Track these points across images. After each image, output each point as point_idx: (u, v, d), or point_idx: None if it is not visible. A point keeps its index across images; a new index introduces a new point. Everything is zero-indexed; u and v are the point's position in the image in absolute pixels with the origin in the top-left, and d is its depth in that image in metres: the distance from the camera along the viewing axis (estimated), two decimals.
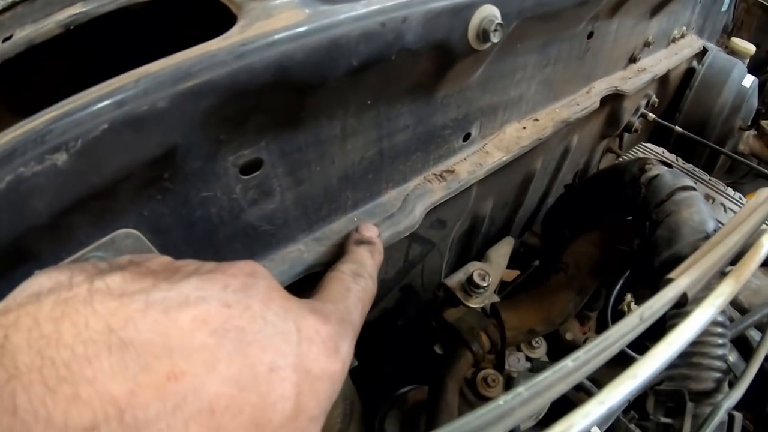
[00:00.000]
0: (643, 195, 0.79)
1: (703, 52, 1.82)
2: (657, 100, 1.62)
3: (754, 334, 0.96)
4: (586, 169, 1.51)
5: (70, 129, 0.48)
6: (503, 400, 0.38)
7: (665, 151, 1.37)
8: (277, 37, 0.54)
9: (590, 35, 1.07)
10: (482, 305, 0.86)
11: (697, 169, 1.33)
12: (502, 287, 1.26)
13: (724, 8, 2.11)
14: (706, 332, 0.63)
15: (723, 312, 0.65)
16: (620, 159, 1.35)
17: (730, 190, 1.28)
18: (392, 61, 0.63)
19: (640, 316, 0.47)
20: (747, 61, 2.09)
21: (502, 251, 0.96)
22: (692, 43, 1.75)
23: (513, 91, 0.92)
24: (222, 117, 0.56)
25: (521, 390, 0.39)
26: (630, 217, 0.90)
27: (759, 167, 1.64)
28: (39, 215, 0.49)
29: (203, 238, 0.66)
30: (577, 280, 0.90)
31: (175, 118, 0.52)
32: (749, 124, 1.85)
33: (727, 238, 0.63)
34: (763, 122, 1.93)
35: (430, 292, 1.04)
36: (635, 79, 1.33)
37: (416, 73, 0.70)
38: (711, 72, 1.76)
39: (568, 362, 0.42)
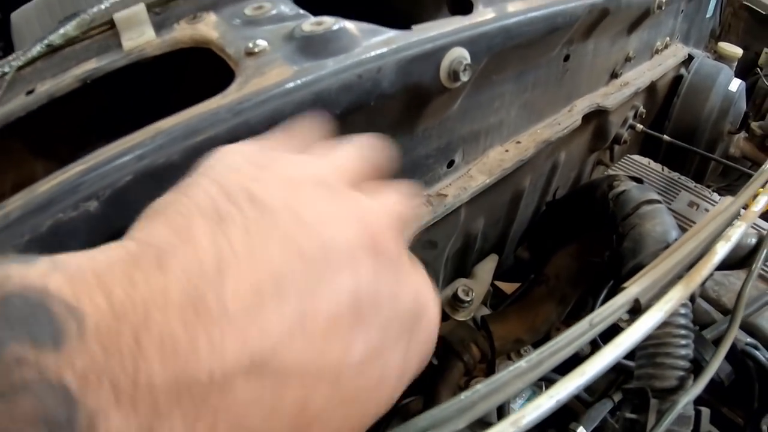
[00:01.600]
0: (611, 210, 0.87)
1: (690, 59, 1.88)
2: (645, 110, 1.67)
3: (740, 335, 1.02)
4: (577, 182, 1.57)
5: (100, 181, 0.58)
6: (464, 395, 0.45)
7: (651, 161, 1.43)
8: (267, 95, 0.63)
9: (566, 58, 1.14)
10: (469, 318, 0.94)
11: (682, 177, 1.40)
12: (503, 299, 1.33)
13: (709, 14, 2.16)
14: (668, 334, 0.70)
15: (685, 315, 0.72)
16: (609, 171, 1.41)
17: (715, 196, 1.34)
18: (372, 105, 0.72)
19: (589, 322, 0.54)
20: (735, 64, 2.15)
21: (486, 267, 1.03)
22: (677, 53, 1.80)
23: (493, 118, 1.00)
24: None
25: (480, 387, 0.46)
26: (602, 231, 0.97)
27: (747, 170, 1.69)
28: (74, 251, 0.58)
29: None
30: (558, 291, 0.97)
31: (186, 168, 0.61)
32: (738, 127, 1.91)
33: (682, 246, 0.69)
34: (753, 124, 1.99)
35: None
36: (617, 94, 1.39)
37: (395, 113, 0.79)
38: (697, 79, 1.82)
39: (522, 363, 0.49)
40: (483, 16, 0.85)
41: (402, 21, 0.91)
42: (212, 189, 0.34)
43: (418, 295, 0.39)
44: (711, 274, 0.70)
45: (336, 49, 0.71)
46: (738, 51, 2.16)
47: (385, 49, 0.72)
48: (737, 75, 2.06)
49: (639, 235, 0.80)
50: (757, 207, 0.80)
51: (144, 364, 0.26)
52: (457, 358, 0.93)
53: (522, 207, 1.27)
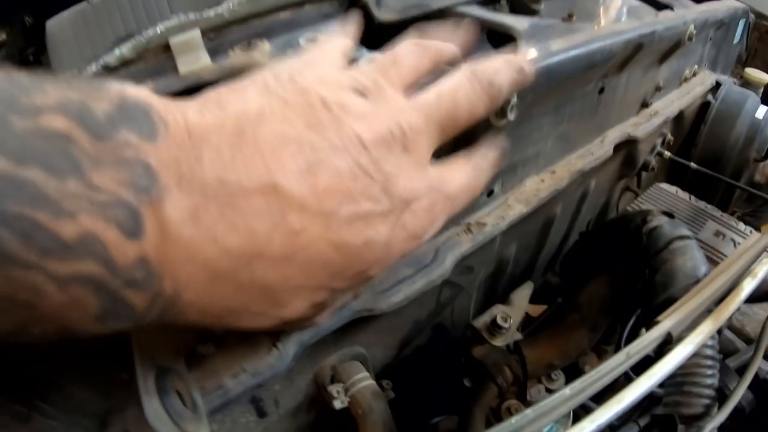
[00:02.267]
0: (644, 244, 0.91)
1: (717, 86, 1.90)
2: (672, 138, 1.71)
3: (762, 365, 1.05)
4: (605, 209, 1.61)
5: None
6: (514, 419, 0.49)
7: (678, 190, 1.46)
8: None
9: (601, 90, 1.18)
10: (506, 343, 0.97)
11: (709, 206, 1.42)
12: (529, 321, 1.37)
13: (736, 40, 2.18)
14: (696, 364, 0.74)
15: (712, 347, 0.75)
16: (638, 199, 1.45)
17: (741, 225, 1.37)
18: None
19: (627, 354, 0.58)
20: (761, 90, 2.16)
21: (522, 294, 1.08)
22: (705, 80, 1.83)
23: (531, 149, 1.04)
24: None
25: (528, 412, 0.50)
26: (634, 263, 1.01)
27: None
28: None
29: None
30: (590, 318, 1.01)
31: None
32: (764, 155, 1.93)
33: (712, 282, 0.73)
34: None
35: (459, 330, 1.15)
36: (647, 124, 1.42)
37: (444, 148, 0.83)
38: (724, 106, 1.84)
39: (566, 390, 0.53)
40: (528, 56, 0.89)
41: None
42: (267, 73, 0.48)
43: (407, 183, 0.49)
44: (738, 308, 0.73)
45: None
46: (765, 77, 2.18)
47: None
48: (764, 100, 2.08)
49: (671, 270, 0.84)
50: None
51: (199, 165, 0.38)
52: (491, 380, 0.97)
53: (552, 233, 1.31)
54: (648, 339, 0.63)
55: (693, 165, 1.66)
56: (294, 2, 0.97)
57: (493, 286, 1.27)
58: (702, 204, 1.43)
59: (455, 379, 1.09)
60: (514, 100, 0.82)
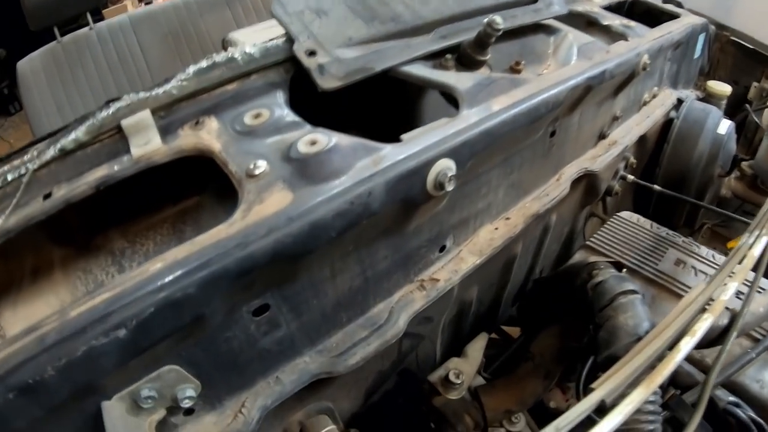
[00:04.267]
0: (590, 299, 0.93)
1: (679, 103, 1.92)
2: (635, 161, 1.72)
3: (722, 394, 1.06)
4: (570, 236, 1.63)
5: (126, 311, 0.67)
6: None
7: (640, 218, 1.48)
8: (268, 228, 0.71)
9: (552, 134, 1.20)
10: (461, 395, 1.01)
11: (671, 233, 1.44)
12: (510, 343, 1.39)
13: (696, 55, 2.18)
14: (636, 420, 0.76)
15: (653, 402, 0.78)
16: (601, 227, 1.47)
17: (703, 250, 1.39)
18: (364, 224, 0.79)
19: (556, 427, 0.60)
20: (724, 102, 2.19)
21: (477, 346, 1.11)
22: (665, 100, 1.83)
23: (481, 203, 1.06)
24: (235, 287, 0.73)
25: None
26: (582, 316, 1.04)
27: (732, 214, 1.76)
28: (106, 369, 0.68)
29: (228, 363, 0.84)
30: (542, 367, 1.05)
31: (201, 297, 0.71)
32: (728, 170, 1.96)
33: (648, 345, 0.76)
34: (744, 164, 2.03)
35: (427, 371, 1.17)
36: (605, 155, 1.43)
37: (386, 222, 0.86)
38: (686, 125, 1.84)
39: None
40: (467, 120, 0.91)
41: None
42: None
43: None
44: (675, 370, 0.76)
45: (329, 173, 0.78)
46: (727, 89, 2.20)
47: (374, 170, 0.79)
48: (727, 111, 2.10)
49: (613, 328, 0.87)
50: (726, 296, 0.85)
51: None
52: (452, 428, 1.00)
53: (515, 270, 1.33)
54: (580, 409, 0.65)
55: (656, 187, 1.68)
56: (240, 74, 1.00)
57: (458, 326, 1.29)
58: (663, 231, 1.45)
59: (422, 422, 1.12)
60: (452, 171, 0.84)
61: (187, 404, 0.76)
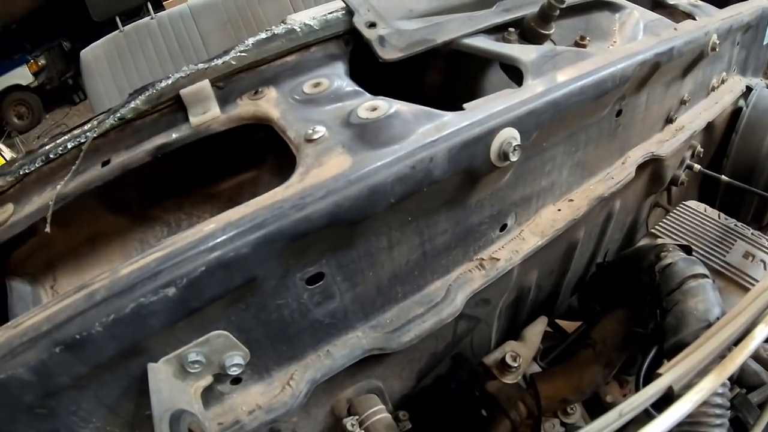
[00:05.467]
0: (657, 282, 0.88)
1: (748, 91, 1.83)
2: (702, 149, 1.65)
3: None
4: (633, 226, 1.57)
5: (177, 269, 0.66)
6: None
7: (707, 208, 1.41)
8: (326, 191, 0.69)
9: (619, 113, 1.15)
10: (516, 380, 0.97)
11: (739, 225, 1.37)
12: (564, 337, 1.34)
13: (766, 41, 2.09)
14: (703, 413, 0.71)
15: (722, 395, 0.72)
16: (666, 217, 1.40)
17: None
18: (424, 192, 0.76)
19: (619, 412, 0.56)
20: None
21: (535, 330, 1.07)
22: (734, 87, 1.75)
23: (545, 180, 1.02)
24: (290, 251, 0.71)
25: None
26: (648, 299, 0.98)
27: None
28: (154, 329, 0.67)
29: (279, 332, 0.82)
30: (603, 355, 1.00)
31: (254, 258, 0.68)
32: None
33: (721, 331, 0.70)
34: None
35: (481, 358, 1.14)
36: (672, 140, 1.37)
37: (448, 192, 0.83)
38: (755, 114, 1.76)
39: None
40: (532, 90, 0.88)
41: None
42: None
43: None
44: (741, 368, 0.70)
45: (390, 137, 0.76)
46: None
47: (436, 137, 0.76)
48: None
49: (681, 313, 0.81)
50: None
51: None
52: (504, 415, 0.96)
53: (576, 257, 1.28)
54: (645, 395, 0.61)
55: (724, 178, 1.60)
56: (300, 46, 0.99)
57: (515, 312, 1.25)
58: (732, 222, 1.37)
59: (473, 409, 1.09)
60: (517, 141, 0.81)
61: (234, 372, 0.75)
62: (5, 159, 4.52)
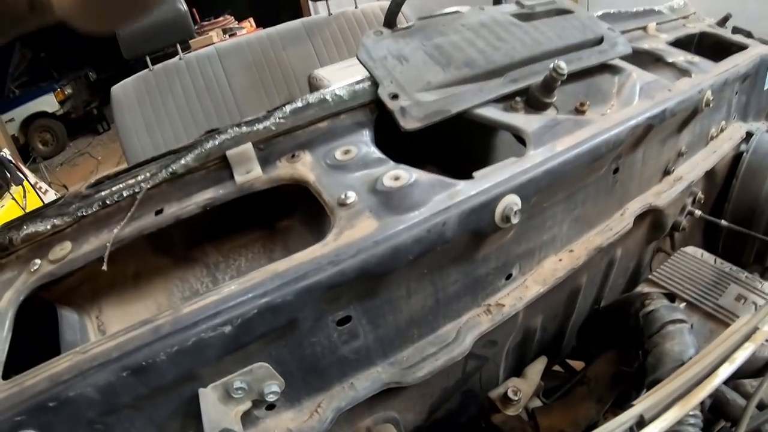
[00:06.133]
0: (641, 326, 1.01)
1: (749, 136, 1.86)
2: (703, 196, 1.72)
3: None
4: (637, 270, 1.66)
5: (234, 311, 0.81)
6: None
7: (704, 253, 1.50)
8: (357, 249, 0.84)
9: (616, 171, 1.26)
10: (517, 413, 1.09)
11: (734, 268, 1.46)
12: (569, 379, 1.45)
13: (767, 86, 2.12)
14: None
15: (694, 425, 0.84)
16: (664, 263, 1.49)
17: (766, 286, 1.40)
18: (438, 250, 0.89)
19: None
20: None
21: (536, 368, 1.19)
22: (733, 134, 1.81)
23: (546, 235, 1.15)
24: (325, 298, 0.86)
25: None
26: (634, 342, 1.10)
27: None
28: (208, 359, 0.83)
29: (310, 366, 0.96)
30: (596, 392, 1.12)
31: (296, 304, 0.84)
32: None
33: (689, 369, 0.82)
34: None
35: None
36: (670, 191, 1.47)
37: (458, 249, 0.96)
38: (756, 158, 1.81)
39: None
40: (533, 160, 1.01)
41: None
42: None
43: None
44: (713, 392, 0.82)
45: (410, 204, 0.90)
46: None
47: (449, 204, 0.90)
48: None
49: (660, 354, 0.95)
50: (766, 327, 0.90)
51: None
52: None
53: (580, 301, 1.38)
54: (620, 421, 0.73)
55: (724, 223, 1.69)
56: (331, 113, 1.13)
57: (522, 352, 1.36)
58: (727, 266, 1.47)
59: None
60: (518, 206, 0.94)
61: (271, 399, 0.89)
62: (30, 183, 4.70)
